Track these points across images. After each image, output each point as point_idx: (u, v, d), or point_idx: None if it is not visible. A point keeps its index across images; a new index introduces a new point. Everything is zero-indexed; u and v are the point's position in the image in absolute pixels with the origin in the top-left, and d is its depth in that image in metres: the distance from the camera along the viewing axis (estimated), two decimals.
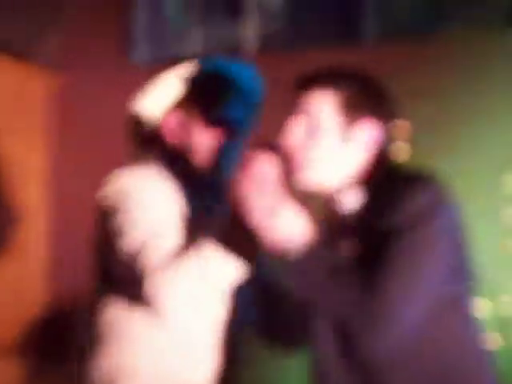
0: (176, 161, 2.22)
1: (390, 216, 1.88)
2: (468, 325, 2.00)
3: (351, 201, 1.98)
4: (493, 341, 3.38)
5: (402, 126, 2.26)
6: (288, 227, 1.90)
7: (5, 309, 4.19)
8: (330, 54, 3.21)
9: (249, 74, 2.24)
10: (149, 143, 2.26)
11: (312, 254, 1.91)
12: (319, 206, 2.02)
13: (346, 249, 1.98)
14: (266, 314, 2.22)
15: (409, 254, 1.85)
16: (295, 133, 1.93)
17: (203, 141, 2.19)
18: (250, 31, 3.78)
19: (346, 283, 1.88)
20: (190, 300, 2.02)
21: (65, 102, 4.26)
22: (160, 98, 2.25)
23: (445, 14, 3.88)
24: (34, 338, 4.19)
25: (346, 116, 1.94)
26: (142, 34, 4.01)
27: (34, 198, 4.28)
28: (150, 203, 2.13)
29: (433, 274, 1.90)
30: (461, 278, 1.98)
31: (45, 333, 4.22)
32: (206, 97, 2.21)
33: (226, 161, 2.20)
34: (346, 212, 1.99)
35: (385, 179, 1.99)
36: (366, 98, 2.00)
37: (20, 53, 4.13)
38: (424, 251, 1.87)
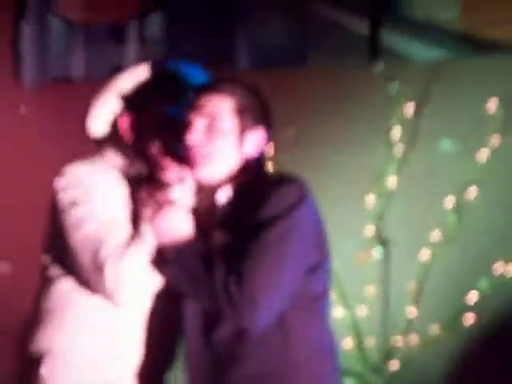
0: (129, 158, 2.29)
1: (257, 210, 2.03)
2: (321, 326, 2.15)
3: (224, 196, 2.14)
4: (344, 343, 3.76)
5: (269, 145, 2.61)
6: (172, 228, 2.07)
7: None
8: None
9: (198, 73, 2.33)
10: (103, 142, 2.32)
11: (185, 244, 2.06)
12: (201, 199, 2.19)
13: (218, 239, 2.09)
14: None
15: (274, 243, 2.00)
16: (195, 132, 2.09)
17: (155, 141, 2.25)
18: (130, 57, 4.03)
19: (215, 272, 2.00)
20: (139, 287, 2.11)
21: None
22: (102, 112, 2.32)
23: (314, 50, 4.31)
24: None
25: (241, 121, 2.11)
26: (29, 58, 4.19)
27: None
28: (105, 196, 2.19)
29: (296, 264, 2.04)
30: (321, 272, 2.13)
31: None
32: (157, 98, 2.27)
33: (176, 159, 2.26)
34: (220, 205, 2.14)
35: (256, 179, 2.17)
36: (258, 108, 2.17)
37: None
38: (287, 241, 2.01)
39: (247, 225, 2.07)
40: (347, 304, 3.80)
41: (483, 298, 3.74)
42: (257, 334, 2.03)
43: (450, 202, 3.77)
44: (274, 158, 3.37)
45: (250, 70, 4.22)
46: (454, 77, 3.89)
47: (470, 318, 3.72)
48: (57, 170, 2.30)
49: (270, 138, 2.22)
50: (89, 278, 2.06)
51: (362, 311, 3.84)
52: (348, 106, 3.98)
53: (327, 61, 4.35)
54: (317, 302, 2.15)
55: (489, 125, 3.79)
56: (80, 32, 3.96)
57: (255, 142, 2.17)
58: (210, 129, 2.10)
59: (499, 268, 3.73)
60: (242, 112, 2.16)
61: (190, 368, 2.14)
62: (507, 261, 3.75)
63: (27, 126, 4.56)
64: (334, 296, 3.67)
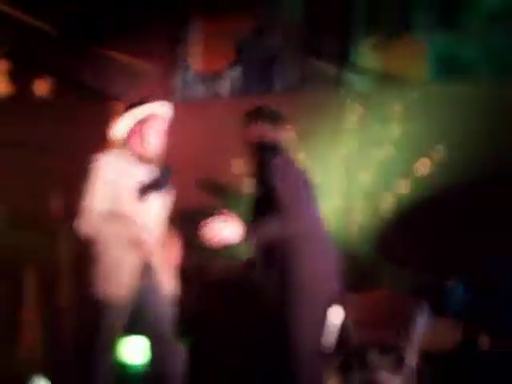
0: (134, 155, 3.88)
1: (267, 169, 3.91)
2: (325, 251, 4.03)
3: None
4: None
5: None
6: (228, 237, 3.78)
7: None
8: None
9: None
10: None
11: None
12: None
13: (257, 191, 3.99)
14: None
15: (284, 193, 3.84)
16: None
17: (153, 141, 3.96)
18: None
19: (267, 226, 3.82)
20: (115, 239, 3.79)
21: None
22: (121, 125, 3.92)
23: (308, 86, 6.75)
24: None
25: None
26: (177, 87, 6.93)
27: None
28: (110, 178, 3.81)
29: (303, 199, 3.93)
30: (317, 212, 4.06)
31: None
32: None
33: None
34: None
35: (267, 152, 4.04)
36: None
37: None
38: (288, 185, 3.91)
39: (267, 184, 3.94)
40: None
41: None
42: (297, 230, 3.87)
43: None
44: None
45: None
46: (376, 102, 6.14)
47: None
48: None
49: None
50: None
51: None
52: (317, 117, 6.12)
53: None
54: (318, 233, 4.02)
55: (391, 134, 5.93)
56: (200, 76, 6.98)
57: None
58: None
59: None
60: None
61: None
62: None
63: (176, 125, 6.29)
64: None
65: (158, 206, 4.08)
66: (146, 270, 3.94)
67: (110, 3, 6.62)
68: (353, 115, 6.27)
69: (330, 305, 4.06)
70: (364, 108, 6.24)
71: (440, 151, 5.93)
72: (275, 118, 4.27)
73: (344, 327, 4.47)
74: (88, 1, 6.43)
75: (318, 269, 4.01)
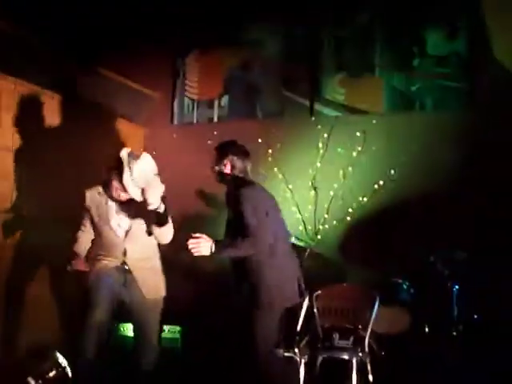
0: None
1: (238, 200, 4.23)
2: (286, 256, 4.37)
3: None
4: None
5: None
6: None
7: None
8: None
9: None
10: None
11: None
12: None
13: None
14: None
15: (250, 214, 4.18)
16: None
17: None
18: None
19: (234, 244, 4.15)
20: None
21: None
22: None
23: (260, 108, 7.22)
24: None
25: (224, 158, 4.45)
26: (176, 112, 7.58)
27: None
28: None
29: (267, 224, 4.24)
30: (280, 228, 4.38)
31: None
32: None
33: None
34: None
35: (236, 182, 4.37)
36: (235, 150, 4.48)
37: None
38: (255, 211, 4.24)
39: (237, 205, 4.24)
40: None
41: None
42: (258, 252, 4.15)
43: None
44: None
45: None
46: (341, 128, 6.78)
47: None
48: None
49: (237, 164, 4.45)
50: None
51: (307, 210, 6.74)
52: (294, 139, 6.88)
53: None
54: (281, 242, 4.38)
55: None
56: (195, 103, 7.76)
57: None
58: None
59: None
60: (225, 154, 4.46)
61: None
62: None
63: (175, 144, 7.40)
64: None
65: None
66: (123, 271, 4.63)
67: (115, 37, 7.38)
68: (322, 139, 6.91)
69: (289, 307, 4.43)
70: (331, 133, 6.89)
71: (393, 169, 6.60)
72: (244, 152, 4.57)
73: (310, 313, 5.20)
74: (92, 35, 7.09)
75: (281, 278, 4.35)
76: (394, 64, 6.90)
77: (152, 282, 4.66)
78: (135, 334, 4.74)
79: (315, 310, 5.24)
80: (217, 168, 4.44)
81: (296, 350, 4.88)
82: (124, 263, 4.62)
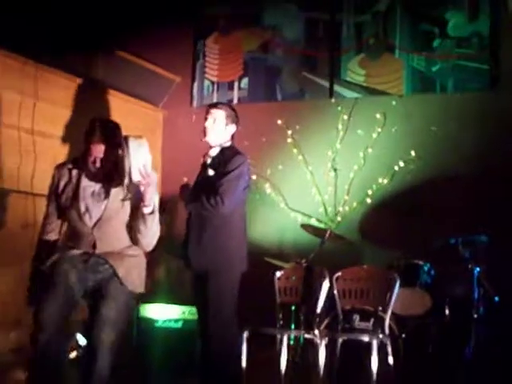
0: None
1: (226, 164, 4.31)
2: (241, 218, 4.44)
3: (214, 151, 4.42)
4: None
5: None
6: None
7: None
8: None
9: None
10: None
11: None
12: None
13: (209, 173, 4.34)
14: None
15: (232, 178, 4.29)
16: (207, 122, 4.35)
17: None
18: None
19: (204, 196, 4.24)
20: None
21: None
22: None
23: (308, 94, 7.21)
24: None
25: (227, 119, 4.41)
26: (197, 94, 7.63)
27: None
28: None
29: (240, 188, 4.35)
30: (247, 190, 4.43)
31: None
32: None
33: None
34: (211, 156, 4.40)
35: (228, 148, 4.42)
36: (233, 116, 4.47)
37: None
38: (237, 177, 4.33)
39: (221, 169, 4.29)
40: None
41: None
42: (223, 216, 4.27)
43: None
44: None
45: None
46: (361, 106, 6.83)
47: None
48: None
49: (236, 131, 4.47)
50: None
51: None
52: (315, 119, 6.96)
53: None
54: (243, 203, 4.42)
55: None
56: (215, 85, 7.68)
57: (230, 131, 4.48)
58: (214, 122, 4.40)
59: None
60: (227, 117, 4.43)
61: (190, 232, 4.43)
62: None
63: (195, 127, 6.12)
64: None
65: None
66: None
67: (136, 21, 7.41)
68: (341, 120, 6.93)
69: (241, 273, 4.45)
70: (351, 115, 6.91)
71: (413, 150, 6.71)
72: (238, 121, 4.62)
73: (330, 295, 5.24)
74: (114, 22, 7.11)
75: (239, 241, 4.47)
76: (414, 45, 6.96)
77: (131, 272, 3.93)
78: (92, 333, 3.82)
79: (335, 292, 5.25)
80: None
81: (316, 332, 4.91)
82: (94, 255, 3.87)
